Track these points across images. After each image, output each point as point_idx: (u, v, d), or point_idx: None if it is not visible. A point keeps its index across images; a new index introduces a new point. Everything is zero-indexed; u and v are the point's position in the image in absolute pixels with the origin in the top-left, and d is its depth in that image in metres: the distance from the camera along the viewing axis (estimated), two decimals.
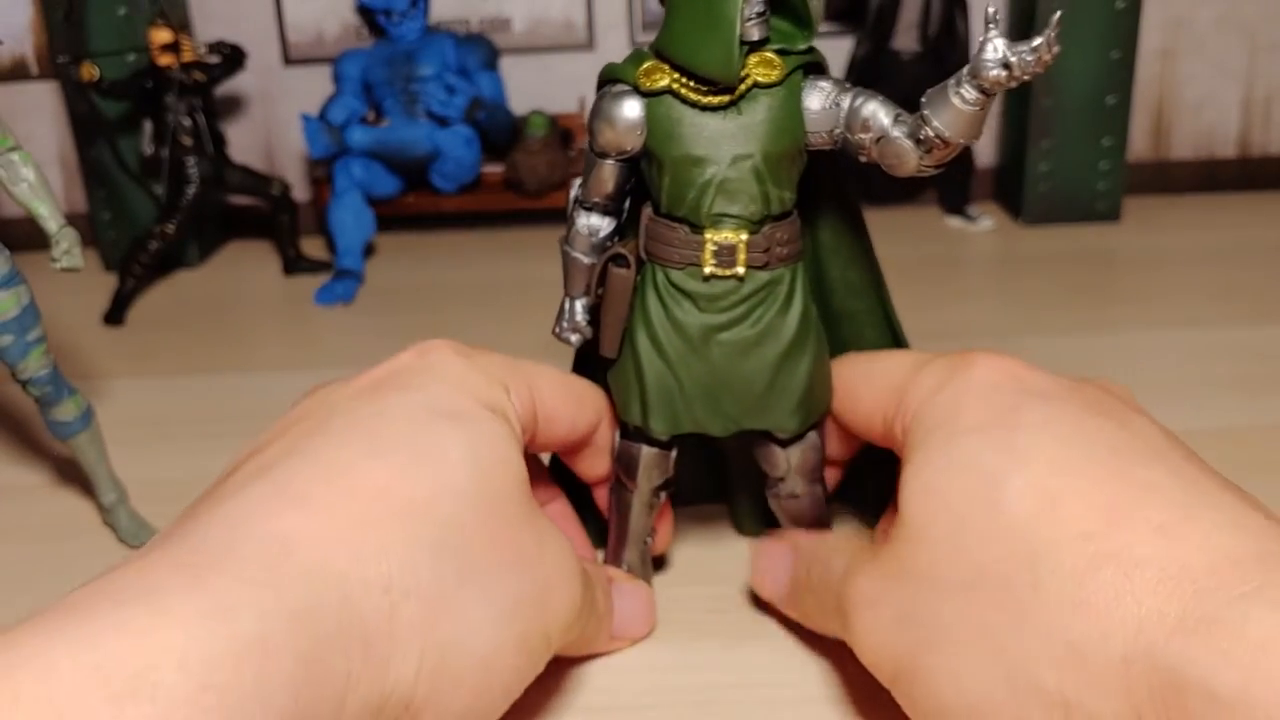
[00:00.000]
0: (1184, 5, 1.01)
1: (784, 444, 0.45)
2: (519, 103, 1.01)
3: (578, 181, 0.44)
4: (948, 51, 0.96)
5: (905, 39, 0.96)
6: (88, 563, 0.53)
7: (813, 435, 0.45)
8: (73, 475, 0.60)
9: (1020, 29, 0.97)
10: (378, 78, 0.97)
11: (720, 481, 0.52)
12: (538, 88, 1.04)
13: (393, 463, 0.34)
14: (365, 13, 1.02)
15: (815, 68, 0.41)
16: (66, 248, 0.50)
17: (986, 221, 0.99)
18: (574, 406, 0.44)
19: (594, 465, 0.47)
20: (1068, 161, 0.96)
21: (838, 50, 1.00)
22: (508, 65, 1.02)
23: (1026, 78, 0.35)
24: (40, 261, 0.51)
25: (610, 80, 0.41)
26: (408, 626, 0.32)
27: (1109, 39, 0.93)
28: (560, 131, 1.00)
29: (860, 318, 0.47)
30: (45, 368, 0.51)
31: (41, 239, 0.50)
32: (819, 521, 0.47)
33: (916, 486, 0.36)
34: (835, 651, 0.44)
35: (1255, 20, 1.02)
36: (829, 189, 0.45)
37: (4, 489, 0.61)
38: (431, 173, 0.98)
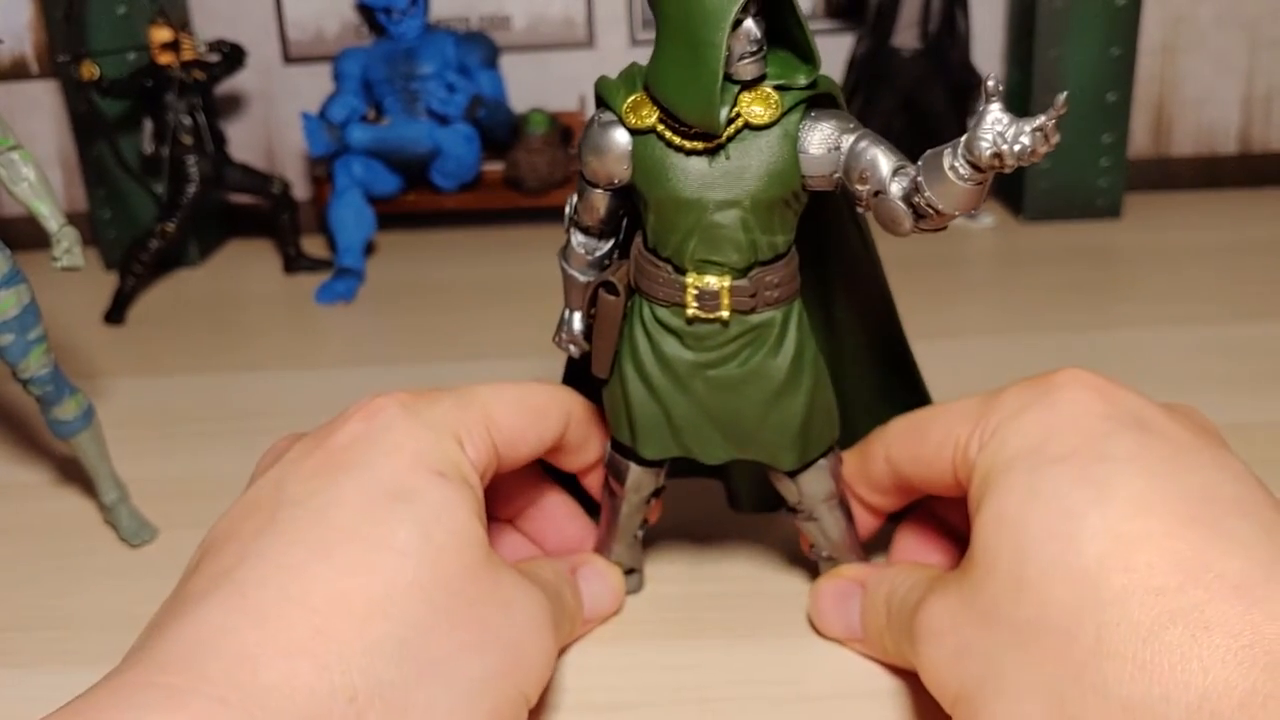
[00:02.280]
0: (1184, 2, 1.01)
1: (791, 474, 0.44)
2: (519, 100, 1.01)
3: (574, 196, 0.42)
4: (948, 49, 0.95)
5: (906, 36, 0.95)
6: (89, 562, 0.54)
7: (822, 462, 0.44)
8: (74, 474, 0.61)
9: (1022, 26, 0.97)
10: (378, 76, 0.97)
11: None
12: (538, 85, 1.04)
13: (343, 562, 0.34)
14: (365, 11, 1.02)
15: (822, 100, 0.38)
16: (67, 247, 0.50)
17: (987, 218, 0.99)
18: (536, 421, 0.43)
19: (571, 463, 0.47)
20: (1068, 158, 0.96)
21: (838, 47, 1.00)
22: (508, 63, 1.02)
23: (1022, 164, 0.32)
24: (41, 260, 0.51)
25: (601, 101, 0.40)
26: None
27: (1109, 36, 0.93)
28: (560, 129, 1.00)
29: (867, 331, 0.46)
30: (46, 367, 0.51)
31: (42, 238, 0.50)
32: (845, 542, 0.46)
33: (991, 514, 0.35)
34: (835, 651, 0.45)
35: (1256, 16, 1.02)
36: (845, 217, 0.43)
37: (5, 488, 0.61)
38: (432, 171, 0.98)
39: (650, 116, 0.38)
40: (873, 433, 0.46)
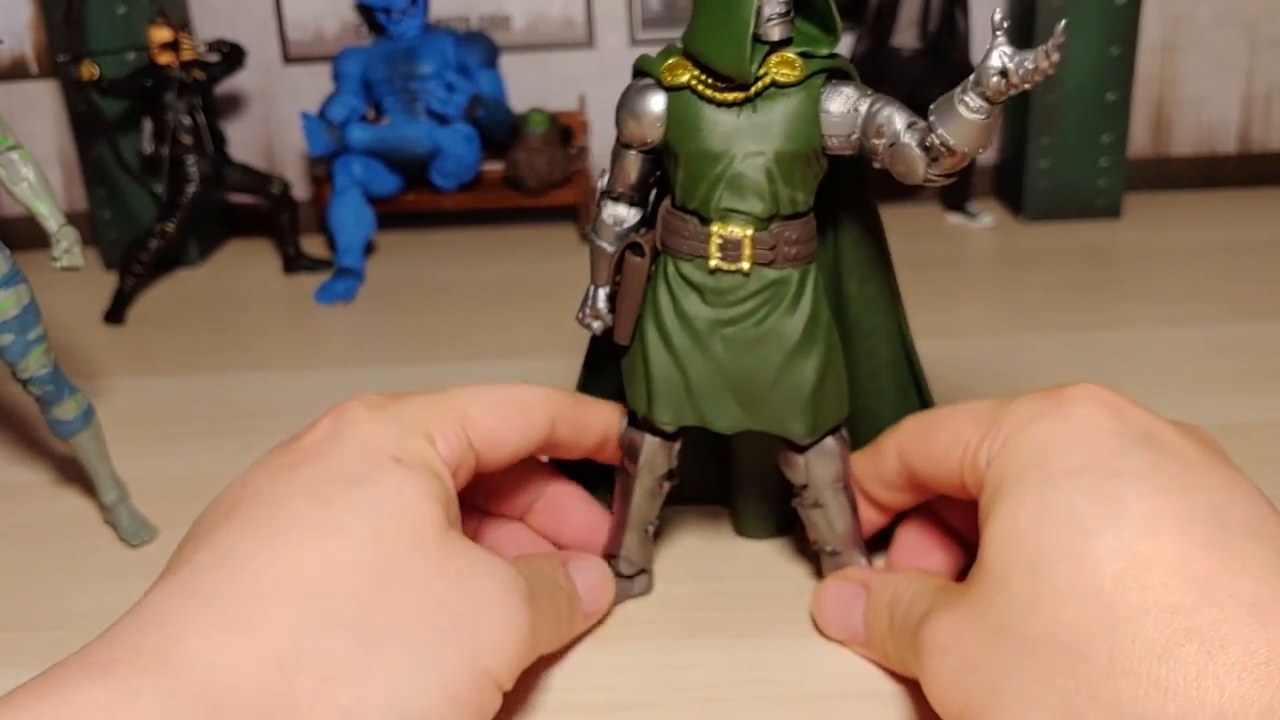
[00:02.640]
0: (1184, 1, 1.01)
1: (801, 450, 0.44)
2: (519, 100, 1.01)
3: (605, 173, 0.45)
4: (948, 48, 0.95)
5: (905, 36, 0.95)
6: (89, 562, 0.54)
7: (831, 442, 0.44)
8: (73, 474, 0.61)
9: (1022, 24, 0.97)
10: (378, 76, 0.97)
11: (723, 483, 0.52)
12: (538, 85, 1.04)
13: (286, 548, 0.35)
14: (365, 11, 1.02)
15: (840, 74, 0.41)
16: (67, 246, 0.50)
17: (987, 218, 0.99)
18: (518, 419, 0.43)
19: (571, 452, 0.47)
20: (1068, 158, 0.96)
21: (839, 47, 1.00)
22: (507, 63, 1.02)
23: (1026, 85, 0.34)
24: (41, 260, 0.51)
25: (640, 72, 0.42)
26: (308, 696, 0.33)
27: (1109, 35, 0.93)
28: (560, 129, 1.00)
29: (875, 334, 0.47)
30: (46, 367, 0.51)
31: (42, 238, 0.50)
32: (849, 533, 0.46)
33: (1003, 528, 0.35)
34: (836, 650, 0.45)
35: (1255, 15, 1.02)
36: (853, 201, 0.45)
37: (4, 488, 0.61)
38: (431, 171, 0.98)
39: (684, 75, 0.41)
40: (885, 430, 0.46)
